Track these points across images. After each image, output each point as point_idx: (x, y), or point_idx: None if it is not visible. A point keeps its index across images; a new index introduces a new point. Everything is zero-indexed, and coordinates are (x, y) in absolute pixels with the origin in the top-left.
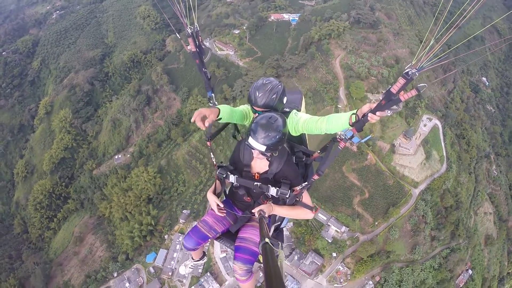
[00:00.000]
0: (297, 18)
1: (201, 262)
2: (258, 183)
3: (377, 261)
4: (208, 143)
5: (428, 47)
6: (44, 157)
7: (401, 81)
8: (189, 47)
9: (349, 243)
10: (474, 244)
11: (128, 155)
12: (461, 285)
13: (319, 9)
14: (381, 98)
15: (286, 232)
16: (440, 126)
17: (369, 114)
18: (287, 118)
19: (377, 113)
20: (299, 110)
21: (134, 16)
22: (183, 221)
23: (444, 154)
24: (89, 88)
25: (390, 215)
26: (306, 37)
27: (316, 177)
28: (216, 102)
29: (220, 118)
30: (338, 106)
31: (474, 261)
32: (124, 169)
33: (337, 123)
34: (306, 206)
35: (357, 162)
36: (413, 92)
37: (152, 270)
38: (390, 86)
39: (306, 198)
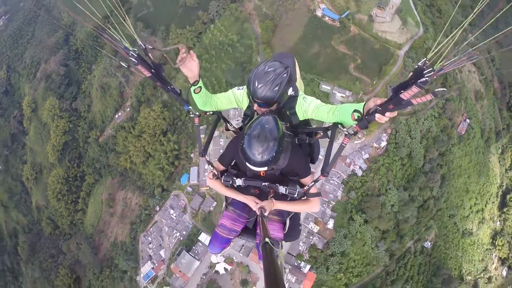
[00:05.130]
0: None
1: (229, 247)
2: (267, 183)
3: None
4: (204, 158)
5: (452, 42)
6: (47, 150)
7: (414, 89)
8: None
9: None
10: (466, 96)
11: (128, 109)
12: (462, 132)
13: None
14: (388, 100)
15: None
16: None
17: (377, 115)
18: (295, 105)
19: (387, 114)
20: (295, 79)
21: None
22: (203, 135)
23: (419, 20)
24: (64, 70)
25: (384, 73)
26: None
27: (321, 178)
28: (197, 113)
29: (200, 87)
30: None
31: (469, 112)
32: (128, 122)
33: (346, 114)
34: (314, 194)
35: (342, 35)
36: (428, 97)
37: (190, 189)
38: (399, 88)
39: (312, 188)
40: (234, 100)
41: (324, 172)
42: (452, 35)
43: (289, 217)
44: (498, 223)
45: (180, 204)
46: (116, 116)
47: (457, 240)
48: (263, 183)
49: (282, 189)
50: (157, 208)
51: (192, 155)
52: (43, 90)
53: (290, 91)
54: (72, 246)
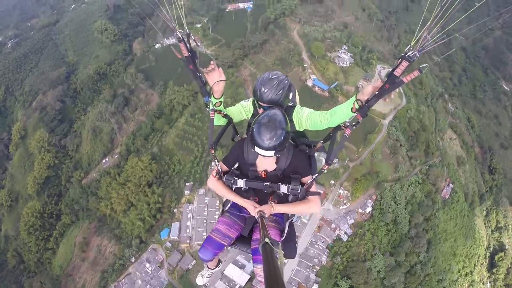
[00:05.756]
0: (251, 5)
1: (217, 269)
2: (268, 183)
3: (369, 180)
4: (212, 151)
5: (430, 25)
6: (28, 180)
7: (404, 64)
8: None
9: (342, 170)
10: (448, 162)
11: (116, 156)
12: (446, 197)
13: None
14: (383, 82)
15: None
16: None
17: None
18: (292, 112)
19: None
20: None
21: (91, 32)
22: (188, 192)
23: (402, 91)
24: (60, 106)
25: (369, 141)
26: (263, 18)
27: (326, 167)
28: (215, 107)
29: (221, 102)
30: (304, 65)
31: (452, 177)
32: (115, 168)
33: (341, 113)
34: (315, 193)
35: (330, 105)
36: (416, 73)
37: (169, 244)
38: (393, 70)
39: (312, 187)
40: (243, 111)
41: (328, 161)
42: (426, 26)
43: (288, 221)
44: (489, 284)
45: (157, 259)
46: (103, 161)
47: None
48: (265, 183)
49: (284, 188)
50: (133, 260)
51: (175, 211)
52: (36, 120)
53: (291, 96)
54: (35, 285)
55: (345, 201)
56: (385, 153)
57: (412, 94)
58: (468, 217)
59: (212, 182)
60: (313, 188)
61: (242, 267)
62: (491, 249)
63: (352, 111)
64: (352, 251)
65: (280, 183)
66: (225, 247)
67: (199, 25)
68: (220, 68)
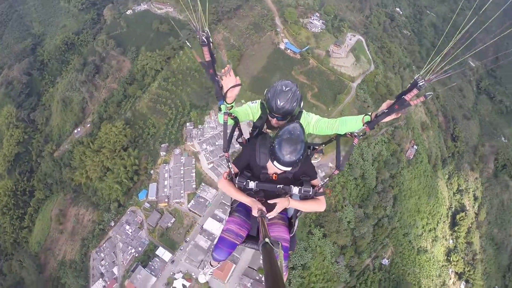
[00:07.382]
0: None
1: (219, 265)
2: (281, 186)
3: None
4: (226, 155)
5: (439, 59)
6: None
7: (414, 91)
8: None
9: None
10: (413, 126)
11: (88, 125)
12: (411, 157)
13: None
14: (393, 103)
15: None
16: (363, 39)
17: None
18: (300, 118)
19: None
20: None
21: (57, 1)
22: (164, 153)
23: (370, 58)
24: (27, 79)
25: (339, 101)
26: None
27: (336, 172)
28: (228, 111)
29: (232, 106)
30: (277, 30)
31: (417, 140)
32: (87, 137)
33: (351, 124)
34: (322, 193)
35: (302, 67)
36: (422, 99)
37: (147, 205)
38: (403, 93)
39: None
40: (250, 113)
41: (339, 167)
42: (427, 62)
43: (297, 218)
44: (451, 241)
45: (137, 220)
46: (75, 131)
47: (413, 257)
48: (277, 186)
49: (296, 190)
50: (112, 223)
51: (152, 172)
52: (2, 96)
53: (302, 104)
54: (14, 266)
55: (316, 156)
56: (353, 113)
57: (380, 62)
58: (431, 178)
59: (223, 184)
60: (321, 188)
61: (220, 220)
62: (453, 209)
63: (362, 123)
64: None
65: (292, 186)
66: (237, 246)
67: None
68: (235, 75)
